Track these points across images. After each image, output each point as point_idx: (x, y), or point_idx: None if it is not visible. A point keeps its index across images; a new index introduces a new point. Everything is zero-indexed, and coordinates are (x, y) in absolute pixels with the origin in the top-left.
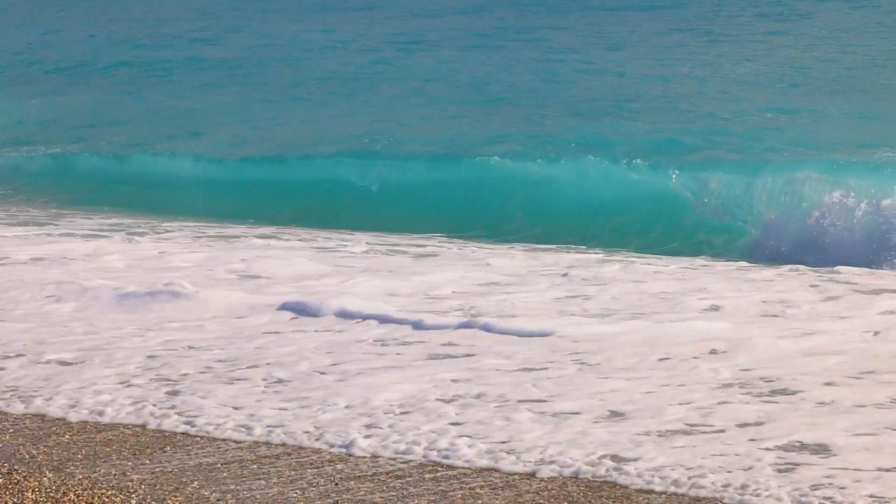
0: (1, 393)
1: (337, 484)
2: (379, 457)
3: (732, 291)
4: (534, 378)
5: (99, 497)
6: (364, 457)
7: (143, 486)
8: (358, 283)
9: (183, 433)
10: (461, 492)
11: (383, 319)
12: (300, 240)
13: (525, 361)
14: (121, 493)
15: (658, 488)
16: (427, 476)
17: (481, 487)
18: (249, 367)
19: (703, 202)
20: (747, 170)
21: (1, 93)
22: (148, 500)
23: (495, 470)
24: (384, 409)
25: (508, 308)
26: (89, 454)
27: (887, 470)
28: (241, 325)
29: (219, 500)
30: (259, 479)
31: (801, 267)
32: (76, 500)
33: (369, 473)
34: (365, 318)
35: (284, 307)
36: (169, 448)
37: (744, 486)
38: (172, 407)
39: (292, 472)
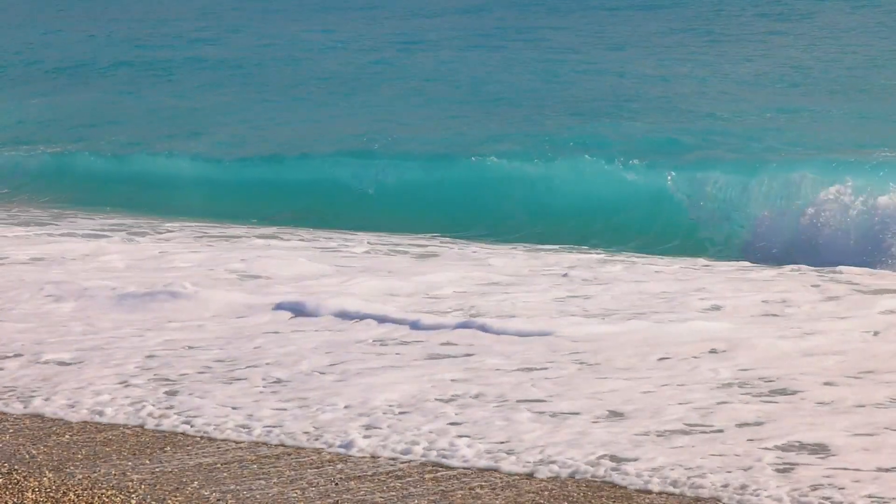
0: (0, 393)
1: (337, 484)
2: (379, 457)
3: (733, 291)
4: (533, 378)
5: (99, 497)
6: (364, 457)
7: (143, 486)
8: (358, 284)
9: (183, 433)
10: (461, 492)
11: (381, 319)
12: (301, 240)
13: (524, 361)
14: (121, 493)
15: (657, 488)
16: (427, 476)
17: (481, 487)
18: (249, 367)
19: (700, 202)
20: (745, 170)
21: (1, 92)
22: (148, 500)
23: (495, 470)
24: (383, 409)
25: (508, 308)
26: (89, 454)
27: (886, 470)
28: (240, 325)
29: (219, 500)
30: (259, 479)
31: (802, 267)
32: (76, 500)
33: (369, 473)
34: (362, 318)
35: (280, 307)
36: (169, 448)
37: (743, 486)
38: (172, 407)
39: (292, 472)
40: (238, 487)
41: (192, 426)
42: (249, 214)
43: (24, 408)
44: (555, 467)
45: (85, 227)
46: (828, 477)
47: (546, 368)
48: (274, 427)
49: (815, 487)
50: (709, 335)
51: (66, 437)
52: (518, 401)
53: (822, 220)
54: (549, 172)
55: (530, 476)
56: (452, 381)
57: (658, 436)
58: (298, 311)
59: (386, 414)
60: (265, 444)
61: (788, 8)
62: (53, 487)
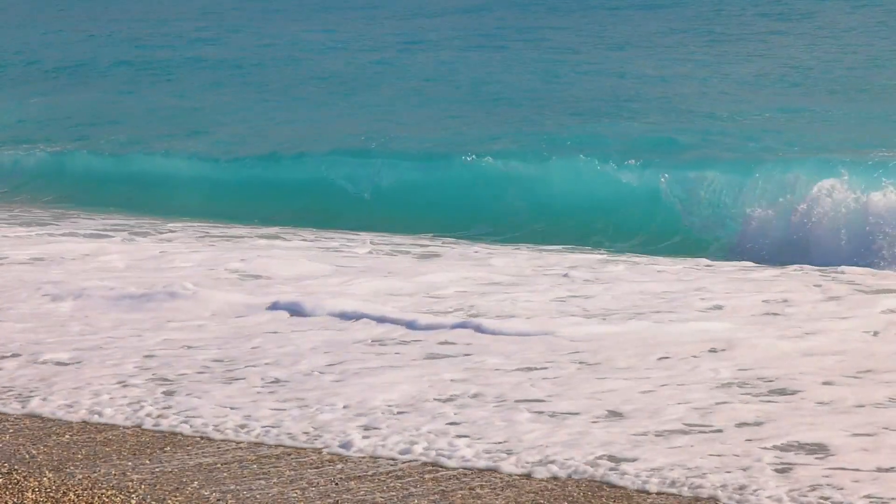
0: None
1: (337, 484)
2: (379, 457)
3: (734, 291)
4: (533, 378)
5: (99, 497)
6: (364, 457)
7: (143, 486)
8: (359, 284)
9: (183, 433)
10: (461, 492)
11: (378, 319)
12: (303, 240)
13: (524, 361)
14: (121, 493)
15: (657, 488)
16: (427, 476)
17: (481, 487)
18: (247, 367)
19: (695, 202)
20: (742, 169)
21: (1, 92)
22: (148, 500)
23: (495, 470)
24: (382, 409)
25: (508, 308)
26: (89, 454)
27: (886, 470)
28: (239, 325)
29: (219, 500)
30: (259, 479)
31: (805, 267)
32: (76, 500)
33: (369, 473)
34: (359, 317)
35: (275, 307)
36: (169, 448)
37: (742, 486)
38: (170, 407)
39: (292, 472)
40: (238, 487)
41: (190, 426)
42: (251, 214)
43: (23, 408)
44: (554, 467)
45: (86, 227)
46: (827, 477)
47: (545, 368)
48: (273, 427)
49: (814, 487)
50: (709, 335)
51: (66, 437)
52: (517, 401)
53: (821, 220)
54: (547, 172)
55: (530, 476)
56: (452, 381)
57: (657, 436)
58: (294, 310)
59: (385, 414)
60: (265, 444)
61: (789, 8)
62: (53, 487)
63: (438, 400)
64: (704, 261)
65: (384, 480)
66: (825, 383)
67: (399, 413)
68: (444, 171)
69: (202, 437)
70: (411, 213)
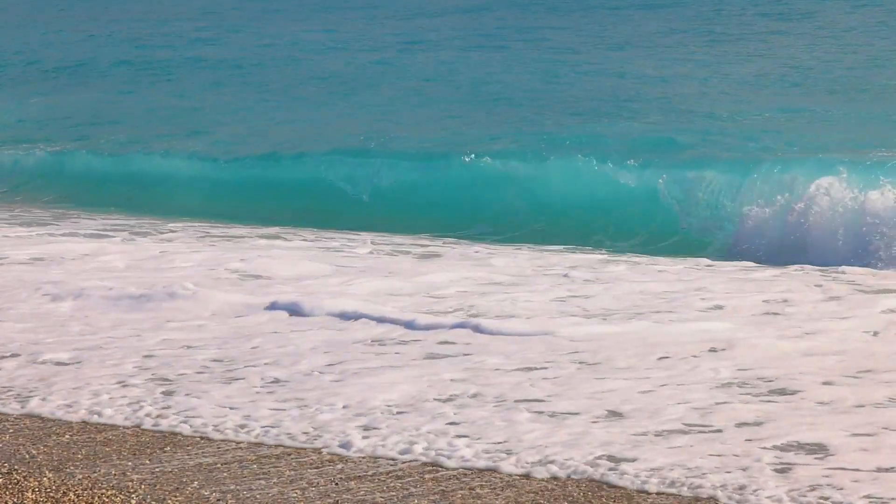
0: None
1: (337, 484)
2: (379, 457)
3: (735, 291)
4: (532, 378)
5: (99, 497)
6: (364, 457)
7: (143, 486)
8: (359, 284)
9: (182, 433)
10: (461, 492)
11: (376, 319)
12: (304, 240)
13: (524, 361)
14: (121, 493)
15: (656, 488)
16: (427, 476)
17: (481, 487)
18: (247, 367)
19: (694, 202)
20: (740, 169)
21: (1, 92)
22: (148, 500)
23: (495, 470)
24: (382, 409)
25: (508, 308)
26: (89, 454)
27: (885, 470)
28: (238, 324)
29: (219, 500)
30: (259, 479)
31: (806, 267)
32: (76, 500)
33: (369, 473)
34: (357, 317)
35: (274, 307)
36: (169, 448)
37: (742, 487)
38: (170, 407)
39: (292, 472)
40: (238, 487)
41: (190, 426)
42: (251, 214)
43: (22, 408)
44: (554, 467)
45: (87, 227)
46: (827, 477)
47: (545, 368)
48: (273, 427)
49: (813, 487)
50: (709, 335)
51: (66, 437)
52: (517, 401)
53: (819, 220)
54: (547, 172)
55: (530, 476)
56: (451, 381)
57: (657, 436)
58: (292, 310)
59: (384, 414)
60: (264, 444)
61: (789, 7)
62: (53, 487)
63: (438, 400)
64: (705, 261)
65: (384, 480)
66: (825, 383)
67: (399, 413)
68: (444, 172)
69: (202, 438)
70: (411, 213)
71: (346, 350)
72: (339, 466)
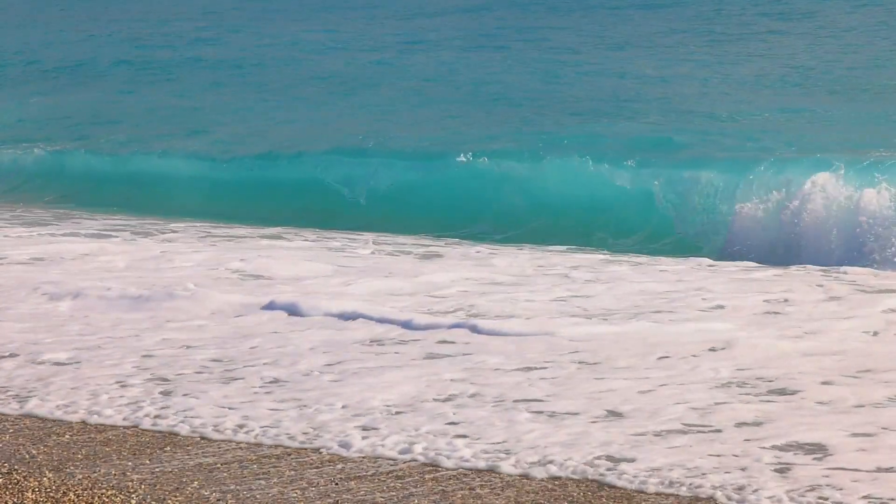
0: None
1: (337, 484)
2: (379, 457)
3: (735, 291)
4: (532, 378)
5: (99, 497)
6: (364, 457)
7: (143, 486)
8: (359, 284)
9: (183, 433)
10: (461, 492)
11: (373, 319)
12: (305, 240)
13: (523, 361)
14: (121, 493)
15: (656, 488)
16: (427, 476)
17: (481, 487)
18: (246, 367)
19: (693, 201)
20: (739, 169)
21: (1, 92)
22: (148, 500)
23: (495, 470)
24: (382, 409)
25: (508, 308)
26: (89, 454)
27: (885, 470)
28: (238, 324)
29: (219, 500)
30: (259, 479)
31: (808, 266)
32: (76, 500)
33: (369, 473)
34: (355, 317)
35: (271, 307)
36: (169, 448)
37: (741, 487)
38: (170, 407)
39: (292, 472)
40: (238, 487)
41: (190, 426)
42: (252, 214)
43: (21, 408)
44: (553, 467)
45: (88, 227)
46: (826, 477)
47: (545, 368)
48: (272, 427)
49: (813, 487)
50: (709, 335)
51: (66, 437)
52: (516, 401)
53: (818, 220)
54: (546, 172)
55: (530, 476)
56: (451, 381)
57: (656, 436)
58: (290, 310)
59: (384, 414)
60: (264, 444)
61: (789, 7)
62: (53, 487)
63: (438, 400)
64: (707, 260)
65: (384, 480)
66: (825, 383)
67: (398, 413)
68: (443, 171)
69: (202, 438)
70: (410, 213)
71: (345, 350)
72: (339, 466)
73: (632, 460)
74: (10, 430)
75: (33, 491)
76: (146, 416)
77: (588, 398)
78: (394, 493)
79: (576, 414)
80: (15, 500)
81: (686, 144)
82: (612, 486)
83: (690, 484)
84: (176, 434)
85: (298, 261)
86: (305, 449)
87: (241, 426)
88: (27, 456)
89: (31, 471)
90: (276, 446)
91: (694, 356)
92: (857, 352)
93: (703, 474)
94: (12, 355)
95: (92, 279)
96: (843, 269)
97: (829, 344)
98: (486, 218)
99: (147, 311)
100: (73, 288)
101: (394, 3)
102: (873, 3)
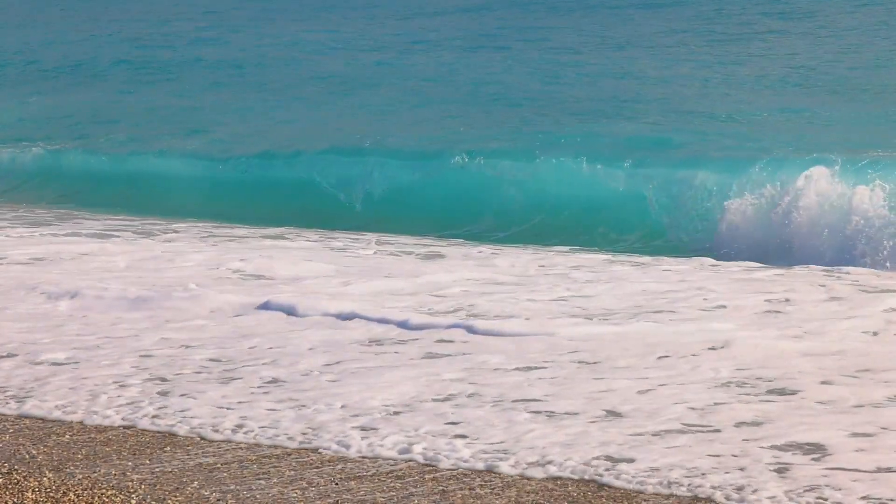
0: None
1: (337, 484)
2: (379, 457)
3: (737, 291)
4: (531, 378)
5: (99, 497)
6: (364, 457)
7: (143, 486)
8: (360, 284)
9: (183, 433)
10: (461, 492)
11: (370, 319)
12: (307, 240)
13: (523, 361)
14: (121, 493)
15: (655, 489)
16: (427, 476)
17: (481, 487)
18: (245, 367)
19: (693, 202)
20: (737, 168)
21: (1, 92)
22: (148, 500)
23: (495, 470)
24: (381, 409)
25: (509, 308)
26: (89, 454)
27: (884, 470)
28: (237, 324)
29: (219, 500)
30: (259, 479)
31: (811, 266)
32: (76, 500)
33: (369, 473)
34: (352, 317)
35: (267, 306)
36: (169, 448)
37: (741, 487)
38: (169, 407)
39: (292, 472)
40: (238, 487)
41: (189, 426)
42: (252, 214)
43: (20, 408)
44: (553, 468)
45: (90, 227)
46: (825, 477)
47: (544, 368)
48: (271, 427)
49: (812, 488)
50: (709, 335)
51: (66, 437)
52: (516, 401)
53: (818, 219)
54: (545, 172)
55: (530, 476)
56: (450, 380)
57: (656, 436)
58: (287, 310)
59: (383, 414)
60: (263, 444)
61: (790, 7)
62: (53, 487)
63: (437, 400)
64: (709, 260)
65: (384, 480)
66: (824, 383)
67: (397, 413)
68: (444, 172)
69: (201, 438)
70: (410, 213)
71: (344, 350)
72: (339, 466)
73: (631, 460)
74: (10, 430)
75: (33, 491)
76: (145, 416)
77: (587, 398)
78: (394, 493)
79: (575, 414)
80: (15, 500)
81: (688, 145)
82: (611, 486)
83: (690, 484)
84: (176, 434)
85: (299, 261)
86: (305, 449)
87: (239, 426)
88: (27, 456)
89: (31, 471)
90: (276, 446)
91: (694, 356)
92: (857, 352)
93: (703, 474)
94: (10, 355)
95: (92, 279)
96: (845, 269)
97: (828, 344)
98: (486, 217)
99: (146, 311)
100: (72, 288)
101: (394, 3)
102: (873, 3)
